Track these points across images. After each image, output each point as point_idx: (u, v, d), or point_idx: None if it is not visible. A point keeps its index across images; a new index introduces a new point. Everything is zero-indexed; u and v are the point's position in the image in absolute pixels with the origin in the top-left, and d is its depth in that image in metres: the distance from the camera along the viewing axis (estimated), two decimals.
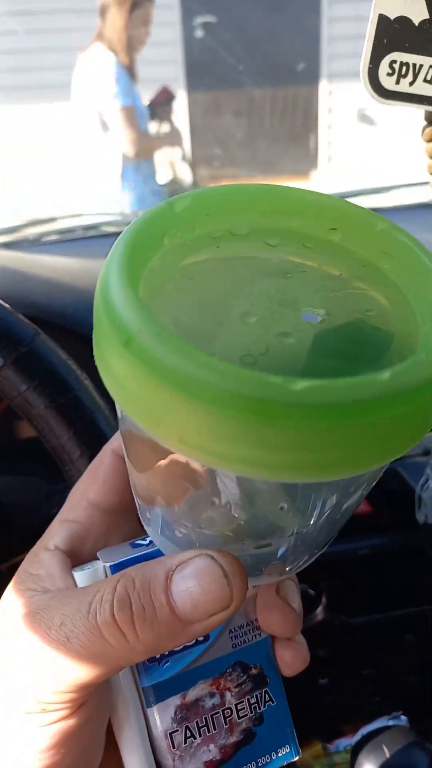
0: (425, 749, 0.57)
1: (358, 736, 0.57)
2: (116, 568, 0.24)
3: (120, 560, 0.24)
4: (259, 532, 0.22)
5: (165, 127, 2.15)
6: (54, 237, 0.87)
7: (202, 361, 0.16)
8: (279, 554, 0.23)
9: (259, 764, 0.26)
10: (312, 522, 0.21)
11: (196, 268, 0.20)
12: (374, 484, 0.22)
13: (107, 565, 0.24)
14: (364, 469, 0.17)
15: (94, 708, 0.22)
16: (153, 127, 2.02)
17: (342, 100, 4.48)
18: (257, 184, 0.22)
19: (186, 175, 4.42)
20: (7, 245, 0.86)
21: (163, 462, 0.20)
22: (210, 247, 0.21)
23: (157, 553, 0.24)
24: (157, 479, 0.21)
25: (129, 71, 1.81)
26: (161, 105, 2.16)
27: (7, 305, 0.36)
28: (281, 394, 0.15)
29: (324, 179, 4.42)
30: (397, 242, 0.21)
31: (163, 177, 2.02)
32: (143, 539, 0.26)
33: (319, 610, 0.59)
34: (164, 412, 0.16)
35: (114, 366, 0.17)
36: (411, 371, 0.16)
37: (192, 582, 0.20)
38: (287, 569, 0.24)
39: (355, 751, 0.54)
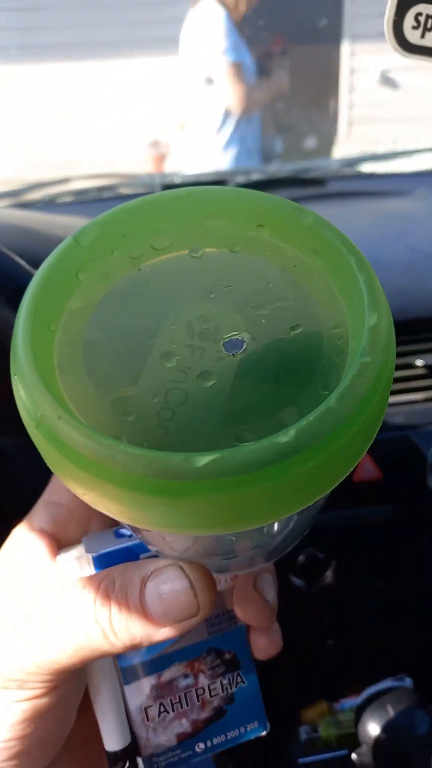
0: (427, 711, 0.59)
1: (363, 697, 0.58)
2: (99, 560, 0.25)
3: (103, 552, 0.25)
4: (222, 551, 0.23)
5: (275, 78, 2.05)
6: (69, 198, 0.86)
7: (106, 445, 0.16)
8: (249, 562, 0.24)
9: (229, 737, 0.28)
10: (272, 537, 0.22)
11: (116, 302, 0.20)
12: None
13: (91, 556, 0.25)
14: (280, 517, 0.17)
15: (68, 688, 0.24)
16: (261, 80, 1.95)
17: (365, 61, 4.35)
18: (171, 191, 0.21)
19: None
20: (22, 205, 0.86)
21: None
22: (131, 271, 0.20)
23: (140, 547, 0.25)
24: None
25: (238, 27, 1.78)
26: (276, 55, 2.05)
27: (23, 261, 0.36)
28: (184, 474, 0.15)
29: (343, 143, 4.32)
30: (325, 239, 0.20)
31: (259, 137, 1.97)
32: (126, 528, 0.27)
33: (328, 574, 0.60)
34: (83, 488, 0.17)
35: (34, 438, 0.17)
36: (317, 425, 0.16)
37: (162, 590, 0.21)
38: (264, 562, 0.26)
39: (360, 710, 0.56)
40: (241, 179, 0.95)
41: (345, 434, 0.16)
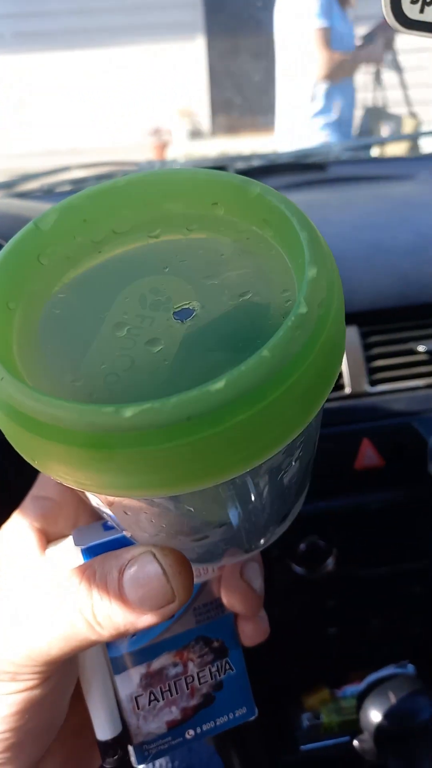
0: (430, 697, 0.59)
1: (365, 684, 0.58)
2: (88, 552, 0.25)
3: (92, 544, 0.25)
4: (188, 529, 0.23)
5: (371, 47, 1.98)
6: (67, 187, 0.85)
7: (42, 400, 0.16)
8: (228, 541, 0.24)
9: (218, 723, 0.29)
10: (238, 512, 0.22)
11: (76, 283, 0.20)
12: (309, 446, 0.21)
13: (80, 548, 0.25)
14: (219, 478, 0.17)
15: (59, 680, 0.24)
16: (360, 52, 1.89)
17: None
18: (129, 176, 0.22)
19: (204, 125, 4.30)
20: (20, 195, 0.85)
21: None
22: (92, 254, 0.21)
23: (127, 539, 0.25)
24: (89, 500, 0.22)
25: None
26: (380, 26, 1.98)
27: None
28: (113, 425, 0.15)
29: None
30: (272, 207, 0.20)
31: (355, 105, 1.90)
32: None
33: (330, 561, 0.60)
34: (28, 451, 0.17)
35: None
36: (249, 374, 0.15)
37: (138, 578, 0.21)
38: (247, 550, 0.25)
39: (361, 697, 0.56)
40: (241, 165, 0.94)
41: (279, 387, 0.16)
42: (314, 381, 0.16)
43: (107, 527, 0.27)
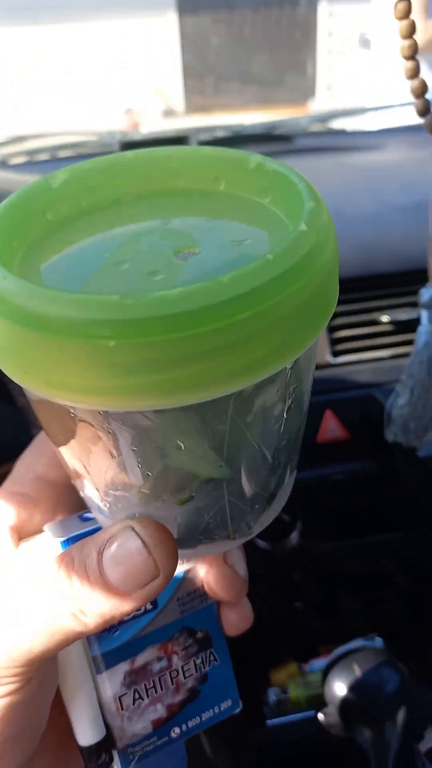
0: (397, 668, 0.58)
1: (330, 657, 0.58)
2: (68, 544, 0.24)
3: (70, 535, 0.24)
4: (174, 484, 0.21)
5: None
6: (22, 159, 0.82)
7: (40, 293, 0.16)
8: (211, 513, 0.22)
9: (203, 718, 0.28)
10: (226, 463, 0.21)
11: (80, 234, 0.21)
12: (301, 399, 0.21)
13: (59, 540, 0.24)
14: (224, 388, 0.16)
15: (41, 682, 0.23)
16: None
17: (344, 23, 4.25)
18: (137, 151, 0.23)
19: (178, 105, 4.24)
20: None
21: (70, 428, 0.20)
22: (96, 216, 0.22)
23: None
24: (72, 450, 0.21)
25: None
26: None
27: None
28: (116, 312, 0.15)
29: (322, 108, 4.25)
30: (271, 173, 0.21)
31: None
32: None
33: (294, 535, 0.59)
34: (19, 354, 0.17)
35: None
36: (252, 272, 0.16)
37: (118, 556, 0.20)
38: (231, 536, 0.24)
39: (327, 670, 0.55)
40: (204, 136, 0.92)
41: (281, 291, 0.16)
42: (312, 299, 0.17)
43: (84, 518, 0.25)
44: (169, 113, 4.00)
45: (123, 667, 0.26)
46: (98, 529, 0.24)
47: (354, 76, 4.00)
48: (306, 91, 4.49)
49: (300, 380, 0.20)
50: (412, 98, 0.32)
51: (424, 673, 0.63)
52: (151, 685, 0.26)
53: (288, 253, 0.16)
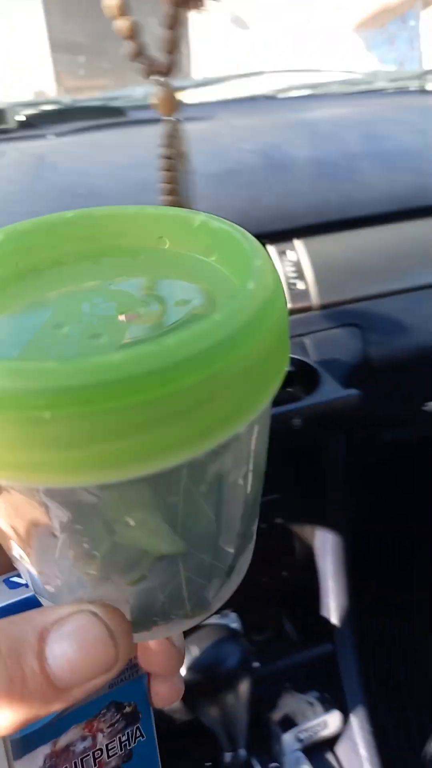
0: (238, 643, 0.58)
1: None
2: None
3: None
4: (125, 563, 0.19)
5: None
6: None
7: None
8: (166, 591, 0.20)
9: None
10: (177, 536, 0.19)
11: (15, 298, 0.20)
12: (256, 461, 0.20)
13: None
14: (175, 458, 0.15)
15: None
16: None
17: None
18: (77, 211, 0.22)
19: (50, 89, 4.09)
20: None
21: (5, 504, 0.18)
22: (35, 278, 0.21)
23: (38, 600, 0.22)
24: (8, 527, 0.19)
25: None
26: None
27: None
28: (53, 379, 0.14)
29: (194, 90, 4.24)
30: (216, 231, 0.21)
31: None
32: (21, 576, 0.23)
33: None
34: None
35: None
36: (200, 335, 0.15)
37: (71, 643, 0.17)
38: (189, 614, 0.22)
39: None
40: (30, 111, 0.87)
41: (232, 352, 0.15)
42: (264, 358, 0.16)
43: (11, 585, 0.23)
44: (39, 95, 3.85)
45: (44, 750, 0.23)
46: (32, 598, 0.21)
47: (227, 54, 4.01)
48: (182, 71, 4.46)
49: (257, 443, 0.19)
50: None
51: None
52: (73, 767, 0.24)
53: (236, 312, 0.16)
